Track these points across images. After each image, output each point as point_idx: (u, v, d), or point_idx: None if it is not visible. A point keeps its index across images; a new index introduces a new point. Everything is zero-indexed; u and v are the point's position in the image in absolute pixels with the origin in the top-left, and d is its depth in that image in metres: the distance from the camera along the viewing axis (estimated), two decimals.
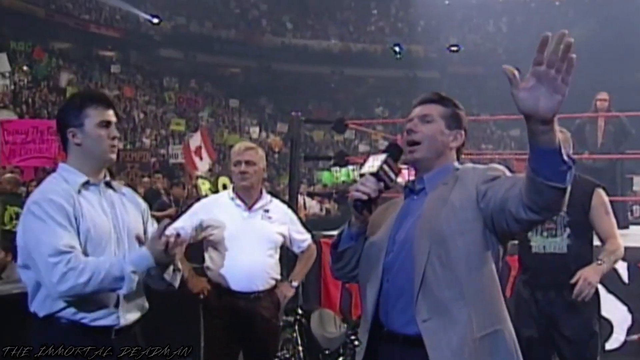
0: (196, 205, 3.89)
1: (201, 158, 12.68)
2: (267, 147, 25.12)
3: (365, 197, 2.08)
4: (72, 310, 2.33)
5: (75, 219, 2.35)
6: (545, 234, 3.60)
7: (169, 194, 10.86)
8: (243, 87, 37.12)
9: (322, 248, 5.15)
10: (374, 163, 2.12)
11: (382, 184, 2.10)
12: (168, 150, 21.06)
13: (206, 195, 9.60)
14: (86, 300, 2.32)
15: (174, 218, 3.38)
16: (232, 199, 3.79)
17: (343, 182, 18.49)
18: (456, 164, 2.23)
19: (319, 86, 38.87)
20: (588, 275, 3.35)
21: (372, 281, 2.13)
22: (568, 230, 3.56)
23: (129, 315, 2.46)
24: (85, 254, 2.33)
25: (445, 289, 1.99)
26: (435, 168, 2.20)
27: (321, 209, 14.80)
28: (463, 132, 2.25)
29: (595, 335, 3.61)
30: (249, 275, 3.65)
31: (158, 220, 2.60)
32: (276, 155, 26.43)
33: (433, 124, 2.21)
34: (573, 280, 3.35)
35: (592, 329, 3.60)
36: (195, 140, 13.16)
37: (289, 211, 4.03)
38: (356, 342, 4.45)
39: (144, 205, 2.73)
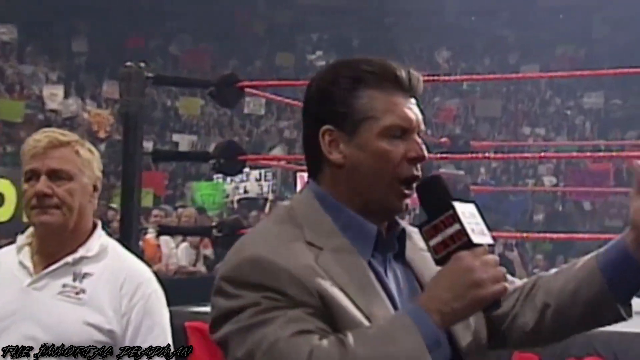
0: None
1: None
2: (86, 132, 16.27)
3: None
4: None
5: None
6: None
7: None
8: (25, 2, 21.90)
9: (190, 338, 3.61)
10: (474, 226, 1.32)
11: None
12: None
13: None
14: None
15: None
16: (19, 249, 2.38)
17: (233, 201, 13.40)
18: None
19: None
20: None
21: None
22: None
23: None
24: None
25: None
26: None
27: (195, 261, 9.60)
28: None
29: None
30: None
31: None
32: (103, 147, 16.37)
33: None
34: None
35: None
36: None
37: (144, 281, 2.37)
38: None
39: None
